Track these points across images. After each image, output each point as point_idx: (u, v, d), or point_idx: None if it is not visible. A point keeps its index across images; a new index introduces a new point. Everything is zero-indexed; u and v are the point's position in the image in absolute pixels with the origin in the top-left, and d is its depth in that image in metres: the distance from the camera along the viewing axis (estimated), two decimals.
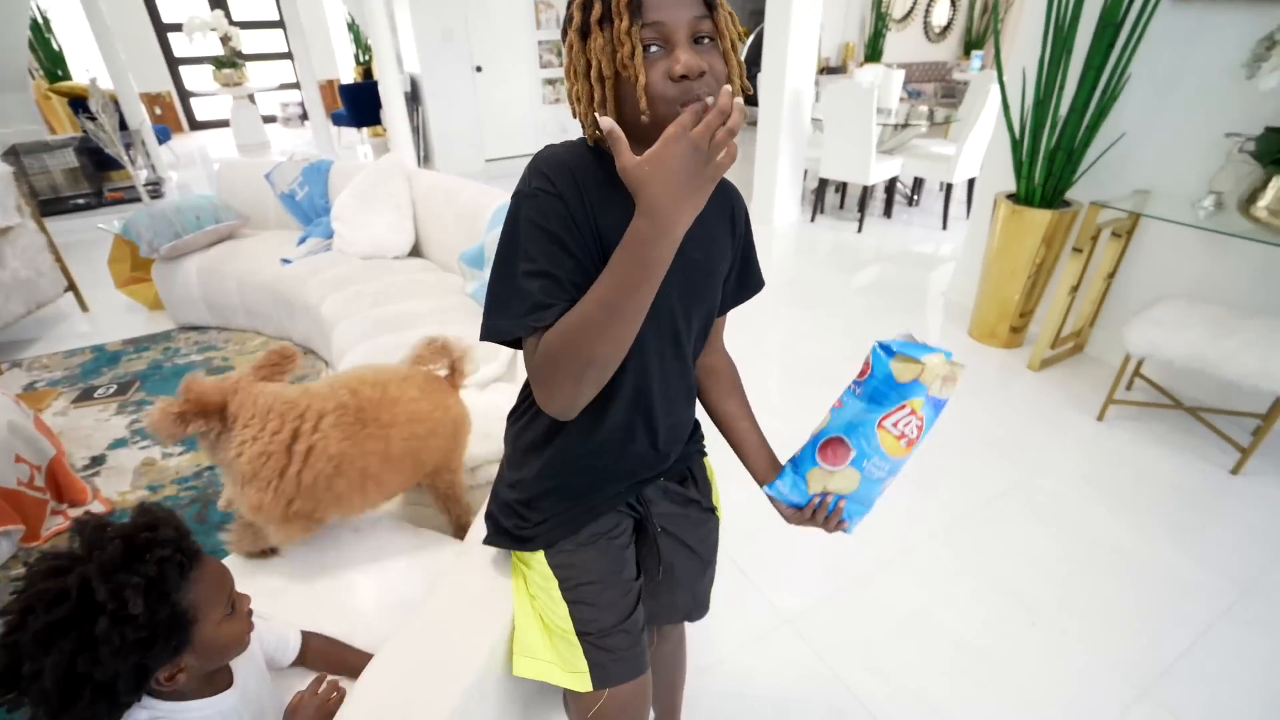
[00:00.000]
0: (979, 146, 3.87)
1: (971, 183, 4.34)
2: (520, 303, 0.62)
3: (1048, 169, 2.39)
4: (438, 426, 1.21)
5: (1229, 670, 1.39)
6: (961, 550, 1.71)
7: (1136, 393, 2.38)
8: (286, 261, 2.81)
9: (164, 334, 3.03)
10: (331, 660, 0.99)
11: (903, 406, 0.71)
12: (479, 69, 5.78)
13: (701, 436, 0.91)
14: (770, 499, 0.82)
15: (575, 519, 0.80)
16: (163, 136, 6.29)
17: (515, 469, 0.83)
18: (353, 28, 7.72)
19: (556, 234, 0.62)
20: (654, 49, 0.58)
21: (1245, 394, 2.08)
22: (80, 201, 4.67)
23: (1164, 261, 2.37)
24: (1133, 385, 2.40)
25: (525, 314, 0.62)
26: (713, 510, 0.93)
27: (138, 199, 4.62)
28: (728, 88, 0.55)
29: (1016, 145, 2.45)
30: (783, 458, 0.84)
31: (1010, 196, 2.57)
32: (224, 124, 8.43)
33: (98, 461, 2.11)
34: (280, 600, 1.08)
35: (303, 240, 2.96)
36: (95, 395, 2.51)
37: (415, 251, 2.88)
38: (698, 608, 1.00)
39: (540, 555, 0.81)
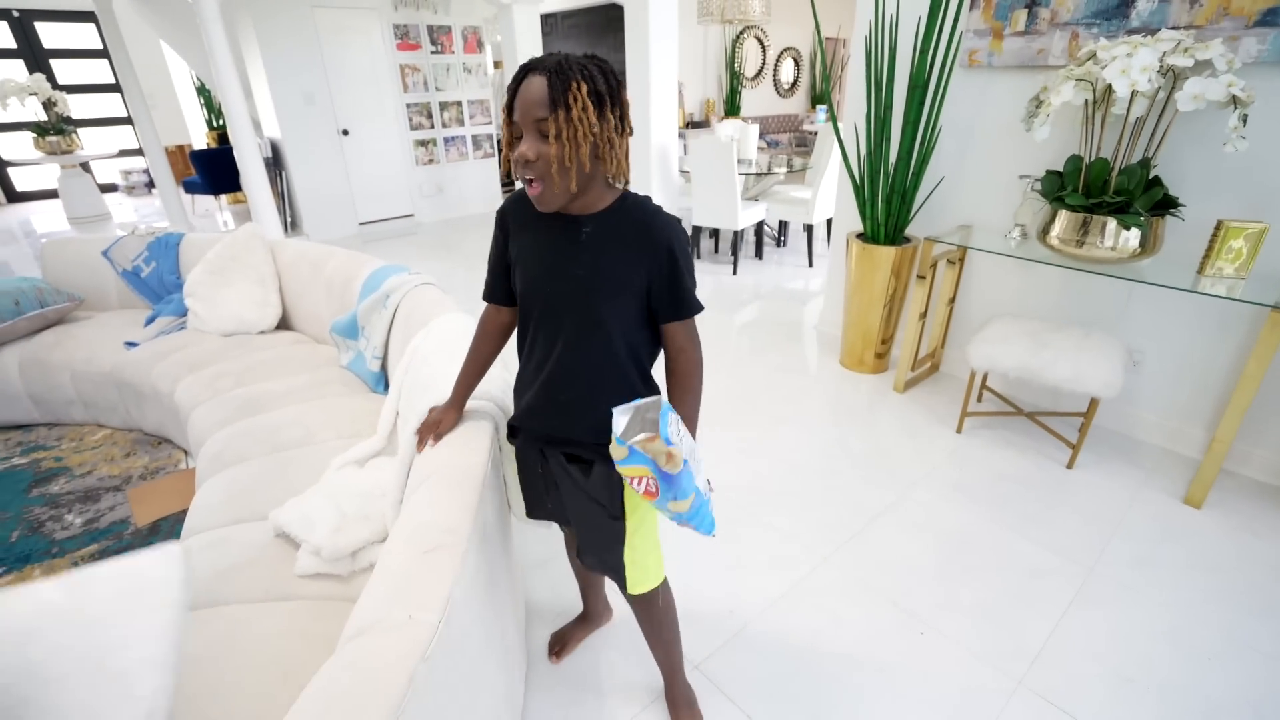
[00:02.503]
0: (831, 190, 4.27)
1: (829, 222, 4.75)
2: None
3: (886, 210, 2.68)
4: None
5: (1087, 647, 1.55)
6: (851, 571, 1.80)
7: (986, 404, 2.67)
8: (132, 345, 2.54)
9: None
10: None
11: (626, 474, 0.90)
12: (345, 132, 5.64)
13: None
14: None
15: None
16: None
17: None
18: (202, 91, 7.30)
19: (491, 256, 1.10)
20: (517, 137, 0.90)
21: (1067, 396, 2.40)
22: None
23: (990, 285, 2.72)
24: (982, 397, 2.69)
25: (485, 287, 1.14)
26: (600, 505, 1.10)
27: None
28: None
29: (858, 190, 2.74)
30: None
31: (860, 235, 2.84)
32: (52, 195, 7.58)
33: None
34: None
35: (151, 320, 2.70)
36: None
37: (284, 324, 2.71)
38: (607, 575, 1.22)
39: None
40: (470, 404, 1.25)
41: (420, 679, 0.72)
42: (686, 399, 1.06)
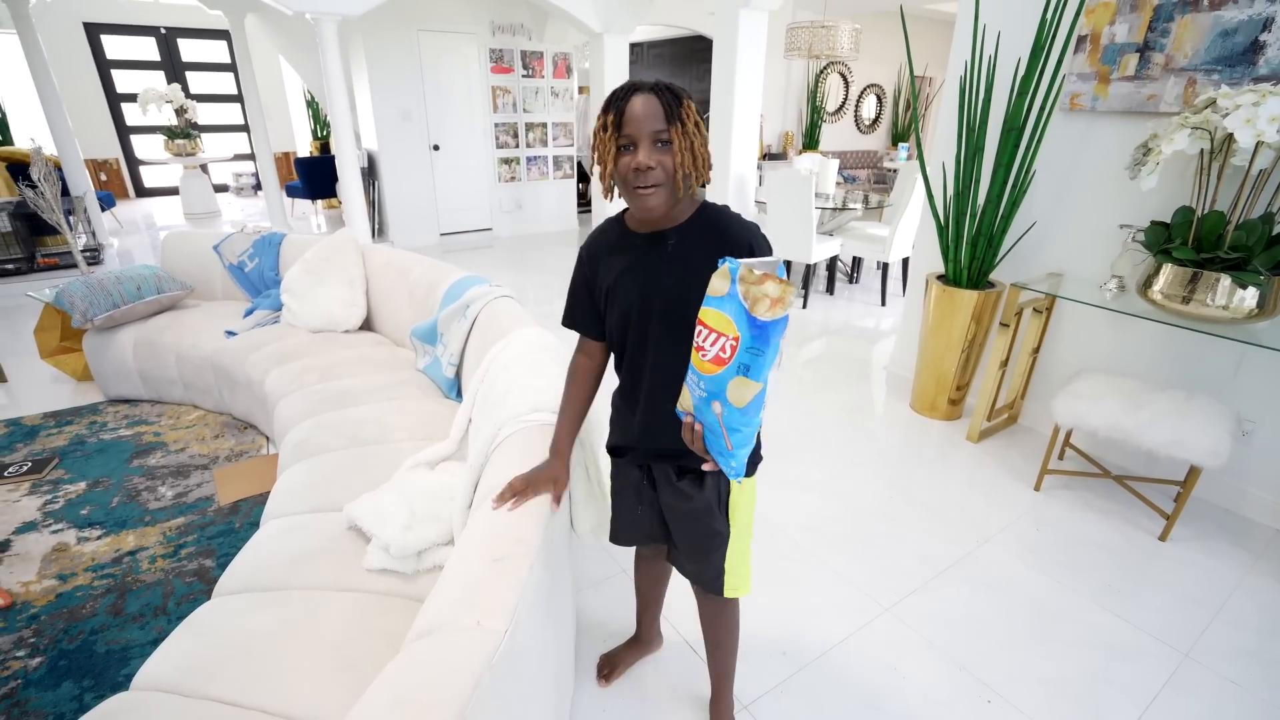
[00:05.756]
0: (910, 229, 4.16)
1: (905, 262, 4.63)
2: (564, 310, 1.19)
3: (971, 253, 2.59)
4: None
5: None
6: (915, 625, 1.72)
7: (1068, 462, 2.51)
8: (231, 334, 2.74)
9: (90, 407, 2.86)
10: None
11: (706, 325, 0.83)
12: (436, 147, 5.94)
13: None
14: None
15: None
16: (106, 203, 6.16)
17: None
18: (311, 104, 7.87)
19: (573, 291, 1.17)
20: (627, 148, 0.95)
21: (1163, 462, 2.23)
22: (10, 267, 4.46)
23: (1081, 337, 2.57)
24: (1064, 455, 2.53)
25: (564, 317, 1.20)
26: (709, 511, 1.13)
27: (73, 265, 4.46)
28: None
29: (942, 231, 2.66)
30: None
31: (940, 277, 2.75)
32: (173, 191, 8.32)
33: (1, 548, 1.93)
34: None
35: (249, 312, 2.90)
36: (5, 474, 2.32)
37: (367, 325, 2.86)
38: (702, 581, 1.24)
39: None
40: (544, 418, 1.28)
41: (485, 685, 0.74)
42: None
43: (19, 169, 5.18)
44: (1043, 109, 2.32)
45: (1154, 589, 1.86)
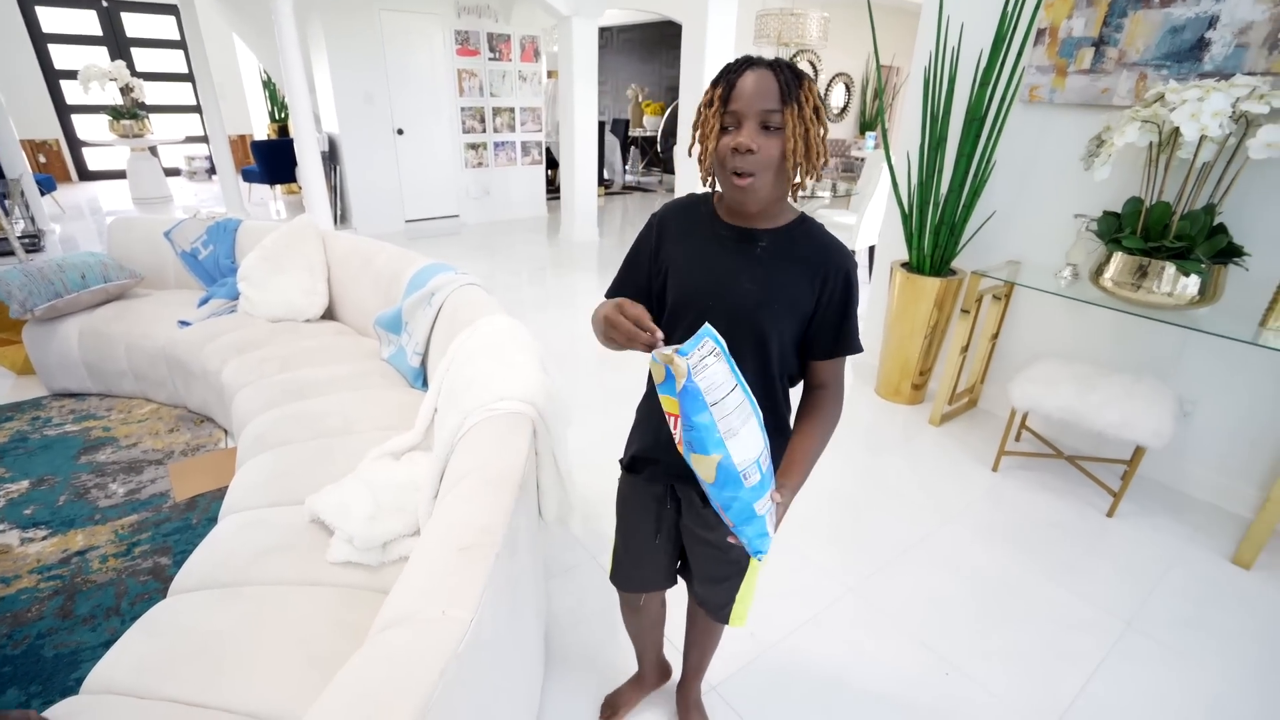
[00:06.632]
0: (877, 217, 4.23)
1: (871, 250, 4.70)
2: (612, 281, 1.06)
3: (934, 240, 2.64)
4: None
5: (1120, 706, 1.49)
6: (879, 604, 1.77)
7: (1024, 444, 2.60)
8: (185, 324, 2.64)
9: (32, 401, 2.73)
10: None
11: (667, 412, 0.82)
12: (400, 131, 5.80)
13: None
14: None
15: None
16: (46, 187, 5.85)
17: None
18: (268, 85, 7.59)
19: (632, 257, 1.04)
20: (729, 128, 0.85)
21: (1111, 442, 2.32)
22: None
23: (1037, 324, 2.65)
24: (1020, 437, 2.61)
25: (609, 289, 1.05)
26: (728, 548, 0.98)
27: (10, 253, 4.23)
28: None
29: (906, 219, 2.71)
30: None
31: (904, 265, 2.81)
32: (120, 175, 7.95)
33: None
34: None
35: (204, 301, 2.80)
36: None
37: (329, 314, 2.79)
38: (709, 607, 1.19)
39: None
40: (511, 406, 1.27)
41: (451, 675, 0.73)
42: (814, 435, 0.98)
43: None
44: (1003, 100, 2.37)
45: (1101, 562, 1.95)
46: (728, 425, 0.77)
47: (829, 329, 0.95)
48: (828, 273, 0.92)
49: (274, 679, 1.05)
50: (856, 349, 0.96)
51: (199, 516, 2.02)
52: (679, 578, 1.23)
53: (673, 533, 1.13)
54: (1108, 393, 2.09)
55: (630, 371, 3.16)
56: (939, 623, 1.71)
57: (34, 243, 4.66)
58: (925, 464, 2.47)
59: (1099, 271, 2.11)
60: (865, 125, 8.75)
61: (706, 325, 0.78)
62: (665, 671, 1.49)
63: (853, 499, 2.23)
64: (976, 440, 2.63)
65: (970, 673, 1.56)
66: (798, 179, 0.89)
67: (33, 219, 4.94)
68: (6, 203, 4.46)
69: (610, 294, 1.03)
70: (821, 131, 0.85)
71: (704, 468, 0.80)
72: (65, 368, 2.73)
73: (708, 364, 0.76)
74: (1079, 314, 2.49)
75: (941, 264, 2.68)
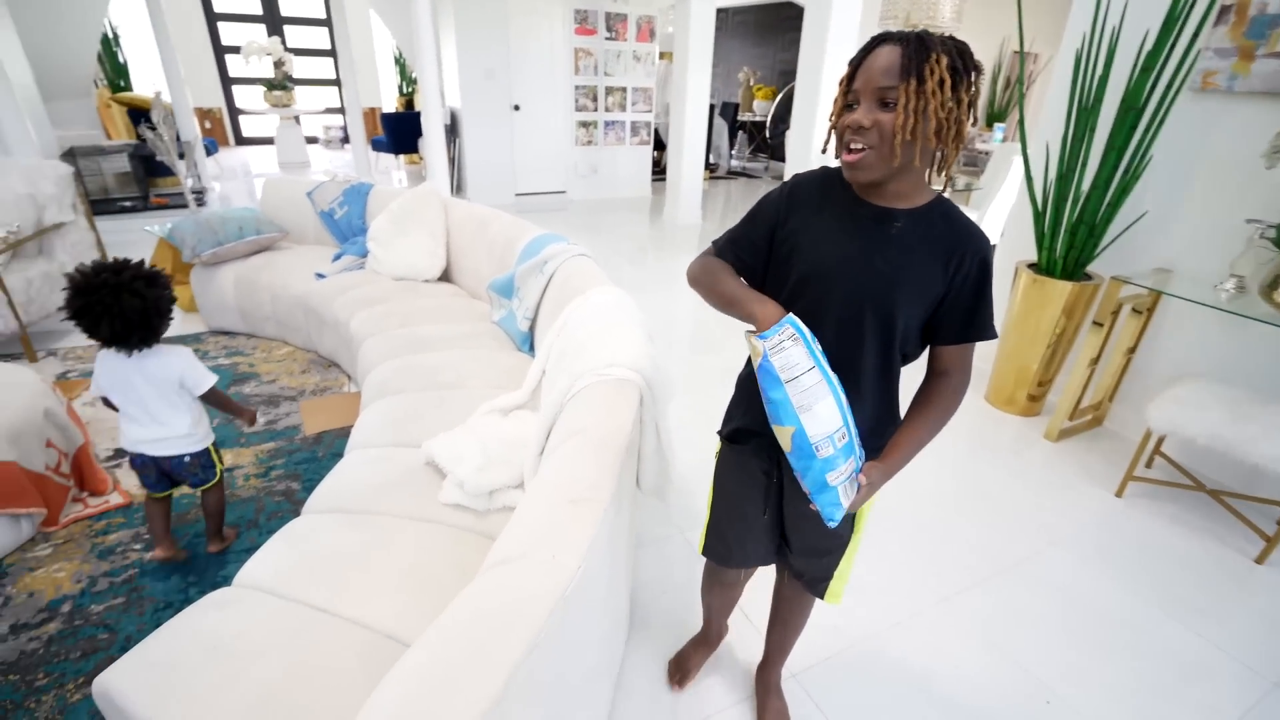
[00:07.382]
0: (1000, 214, 3.93)
1: (993, 248, 4.39)
2: (725, 233, 1.04)
3: (1069, 242, 2.43)
4: None
5: None
6: (971, 618, 1.68)
7: (1157, 471, 2.36)
8: (320, 276, 2.89)
9: (194, 336, 3.10)
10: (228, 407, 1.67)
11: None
12: (517, 107, 6.00)
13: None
14: None
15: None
16: (210, 149, 6.55)
17: None
18: (399, 61, 8.07)
19: (756, 215, 1.01)
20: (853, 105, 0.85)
21: (1268, 478, 2.07)
22: (127, 204, 4.84)
23: (1185, 340, 2.38)
24: (1153, 463, 2.38)
25: (719, 240, 1.04)
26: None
27: (183, 205, 4.79)
28: None
29: (1039, 217, 2.51)
30: None
31: (1032, 266, 2.61)
32: (268, 141, 8.75)
33: (120, 454, 2.14)
34: None
35: (338, 257, 3.05)
36: None
37: (445, 277, 2.96)
38: (809, 581, 1.20)
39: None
40: (620, 373, 1.30)
41: (557, 615, 0.78)
42: (925, 425, 0.96)
43: (137, 115, 5.56)
44: (1169, 87, 2.13)
45: (1243, 612, 1.75)
46: (801, 401, 0.84)
47: (959, 312, 0.92)
48: (963, 255, 0.89)
49: (391, 599, 1.16)
50: (990, 335, 0.93)
51: (324, 451, 2.22)
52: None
53: (777, 510, 1.13)
54: (1268, 422, 1.85)
55: (724, 354, 3.14)
56: (1038, 645, 1.60)
57: (200, 198, 5.24)
58: (1035, 481, 2.30)
59: (1272, 285, 1.87)
60: (993, 116, 8.10)
61: (790, 315, 0.86)
62: (723, 634, 1.53)
63: (952, 507, 2.12)
64: (1097, 461, 2.42)
65: (1074, 704, 1.45)
66: (918, 159, 0.84)
67: (199, 177, 5.55)
68: (181, 162, 5.04)
69: (723, 244, 1.02)
70: (951, 105, 0.79)
71: (782, 437, 0.88)
72: (221, 309, 3.07)
73: (784, 347, 0.85)
74: (1239, 333, 2.21)
75: (1075, 267, 2.47)
